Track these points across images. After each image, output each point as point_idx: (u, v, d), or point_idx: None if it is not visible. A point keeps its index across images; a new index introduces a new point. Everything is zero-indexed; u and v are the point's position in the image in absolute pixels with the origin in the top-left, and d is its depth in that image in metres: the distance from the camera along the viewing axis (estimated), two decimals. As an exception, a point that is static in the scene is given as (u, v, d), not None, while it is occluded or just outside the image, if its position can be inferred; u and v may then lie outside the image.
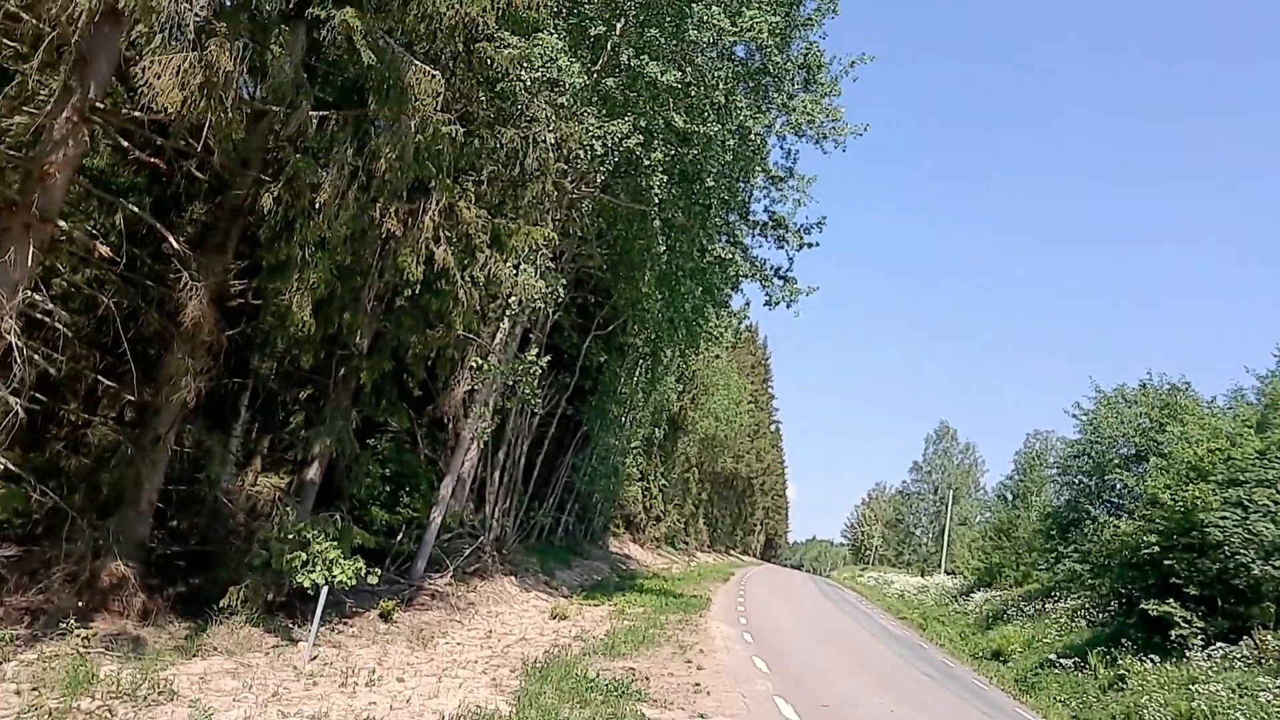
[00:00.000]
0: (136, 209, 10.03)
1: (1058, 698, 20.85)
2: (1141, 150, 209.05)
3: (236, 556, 11.67)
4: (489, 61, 11.78)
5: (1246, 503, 19.05)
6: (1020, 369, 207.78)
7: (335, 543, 11.38)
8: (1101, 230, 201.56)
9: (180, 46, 8.14)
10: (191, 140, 9.87)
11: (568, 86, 14.23)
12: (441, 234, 10.51)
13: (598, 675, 11.46)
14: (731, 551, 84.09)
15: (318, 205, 9.62)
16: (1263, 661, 17.28)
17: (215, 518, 12.12)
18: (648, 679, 12.04)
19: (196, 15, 8.23)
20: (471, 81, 12.10)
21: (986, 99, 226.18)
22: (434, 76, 9.66)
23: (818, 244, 20.29)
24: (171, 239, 10.19)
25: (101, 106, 8.95)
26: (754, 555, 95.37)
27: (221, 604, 10.78)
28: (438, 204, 10.45)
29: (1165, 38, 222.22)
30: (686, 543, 62.19)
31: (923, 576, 60.67)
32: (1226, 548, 18.82)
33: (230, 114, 8.70)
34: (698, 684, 12.20)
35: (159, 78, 8.06)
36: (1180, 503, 20.24)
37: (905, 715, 13.70)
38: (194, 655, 9.72)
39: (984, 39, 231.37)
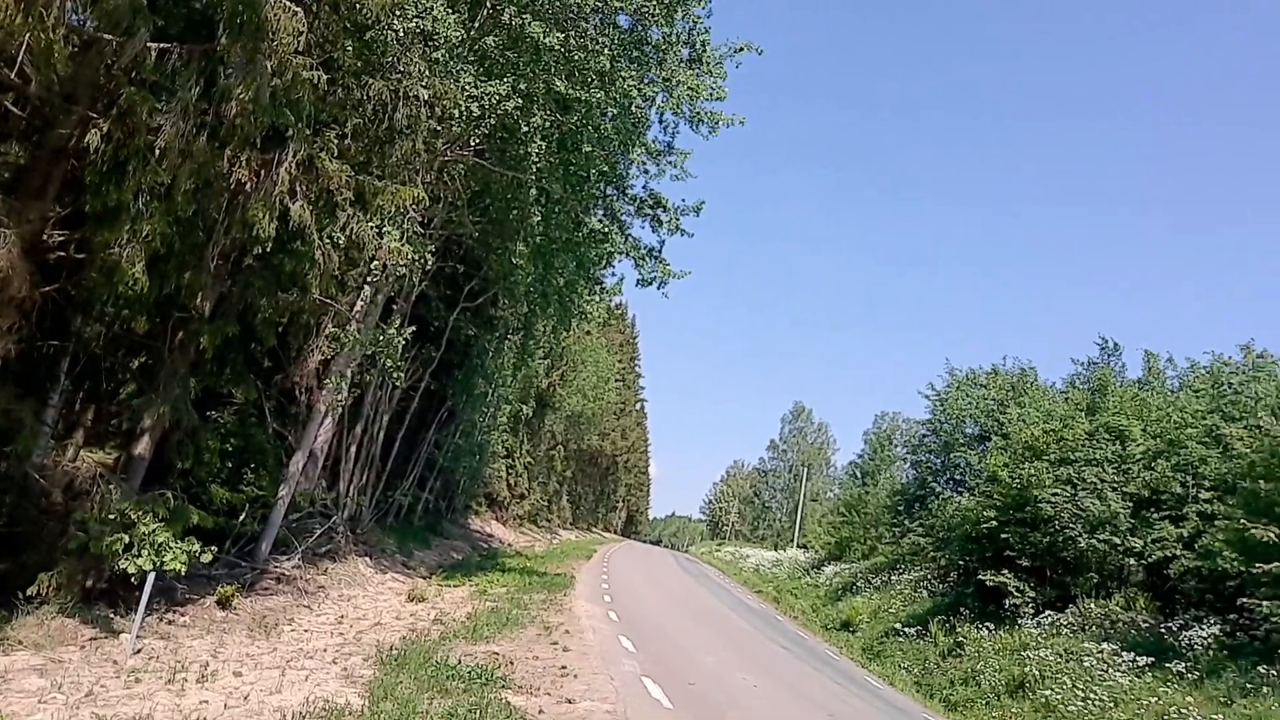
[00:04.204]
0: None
1: (902, 665, 22.04)
2: (1002, 125, 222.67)
3: (50, 539, 10.37)
4: (358, 6, 10.83)
5: (1075, 480, 20.67)
6: (870, 350, 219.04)
7: (166, 523, 10.30)
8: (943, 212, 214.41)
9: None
10: (6, 69, 8.57)
11: (443, 40, 13.37)
12: (299, 188, 9.60)
13: (459, 661, 10.98)
14: (594, 528, 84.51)
15: (156, 148, 8.55)
16: (1086, 628, 18.83)
17: (25, 496, 10.73)
18: (512, 663, 11.67)
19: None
20: (338, 26, 11.07)
21: (867, 74, 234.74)
22: (295, 14, 8.76)
23: (692, 234, 20.40)
24: (-25, 179, 8.84)
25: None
26: (615, 532, 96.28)
27: (29, 592, 9.56)
28: (295, 155, 9.52)
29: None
30: (549, 520, 61.91)
31: (777, 551, 63.12)
32: (1056, 522, 20.39)
33: (52, 36, 7.54)
34: (564, 666, 11.94)
35: (-39, -15, 6.87)
36: (1017, 480, 21.74)
37: (766, 689, 14.01)
38: (-6, 650, 8.57)
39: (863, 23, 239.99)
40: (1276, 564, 14.30)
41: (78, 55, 8.44)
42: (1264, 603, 14.60)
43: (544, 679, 11.05)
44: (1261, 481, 15.86)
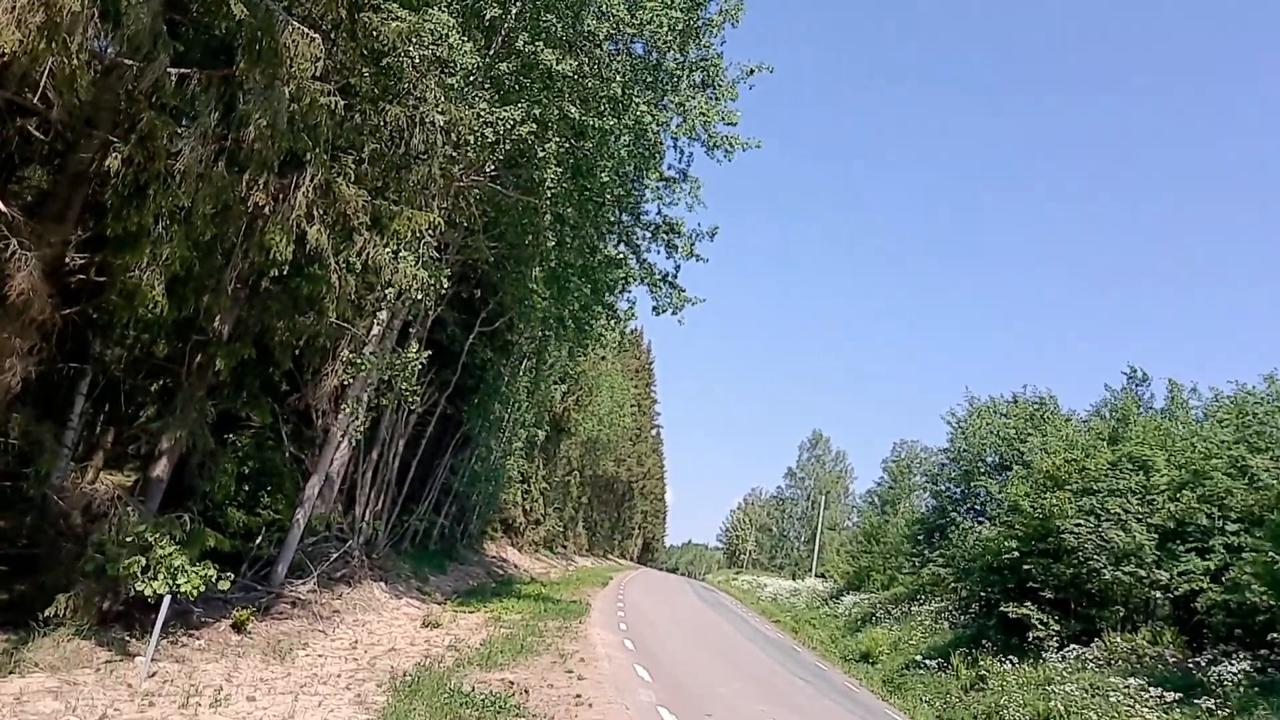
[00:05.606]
0: (-44, 167, 8.80)
1: (923, 698, 21.50)
2: (1029, 159, 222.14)
3: (68, 561, 10.41)
4: (374, 33, 10.99)
5: (1099, 511, 20.21)
6: (888, 378, 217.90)
7: (182, 546, 10.31)
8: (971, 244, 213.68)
9: (17, -20, 7.11)
10: (29, 94, 8.74)
11: (459, 67, 13.57)
12: (316, 212, 9.69)
13: (473, 689, 10.87)
14: (609, 555, 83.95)
15: (176, 172, 8.67)
16: (1112, 662, 18.32)
17: (44, 517, 10.80)
18: (527, 692, 11.54)
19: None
20: (354, 53, 11.25)
21: (877, 109, 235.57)
22: (313, 40, 8.89)
23: (706, 259, 20.36)
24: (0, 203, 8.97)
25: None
26: (631, 559, 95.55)
27: (47, 614, 9.56)
28: (312, 180, 9.62)
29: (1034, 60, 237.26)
30: (565, 547, 61.59)
31: (794, 580, 62.31)
32: (1080, 553, 19.89)
33: (76, 61, 7.70)
34: (579, 695, 11.78)
35: (-9, 13, 7.02)
36: (1039, 510, 21.30)
37: (784, 720, 13.75)
38: (10, 672, 8.57)
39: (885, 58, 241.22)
40: (1308, 597, 13.91)
41: (99, 80, 8.58)
42: (1295, 638, 14.17)
43: (558, 708, 10.91)
44: (1290, 513, 15.48)
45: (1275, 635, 14.99)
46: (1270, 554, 15.34)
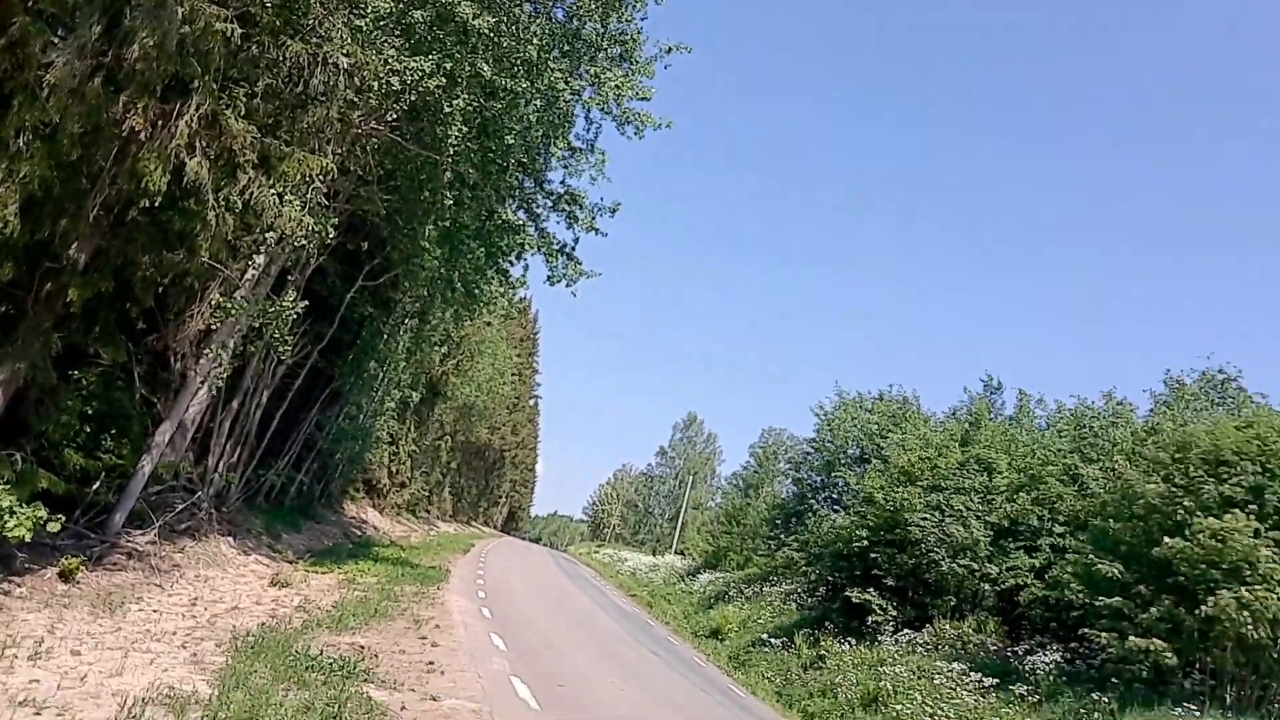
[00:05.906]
0: None
1: (765, 674, 22.59)
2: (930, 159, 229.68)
3: (-125, 496, 9.45)
4: (280, -39, 10.38)
5: (944, 507, 21.78)
6: (761, 366, 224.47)
7: (11, 487, 9.54)
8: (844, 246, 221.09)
9: None
10: None
11: (370, 10, 12.92)
12: (198, 144, 9.07)
13: (320, 652, 10.57)
14: (474, 522, 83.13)
15: (46, 84, 7.91)
16: (940, 647, 19.85)
17: None
18: (377, 656, 11.34)
19: None
20: (257, -20, 10.58)
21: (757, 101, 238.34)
22: (211, -40, 8.29)
23: (606, 234, 20.23)
24: None
25: None
26: (496, 527, 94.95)
27: None
28: (198, 109, 8.99)
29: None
30: (429, 511, 60.50)
31: (654, 556, 63.78)
32: (923, 545, 21.42)
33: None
34: (431, 662, 11.68)
35: None
36: (890, 502, 22.73)
37: (633, 693, 14.14)
38: None
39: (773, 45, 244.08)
40: (1117, 598, 15.35)
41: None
42: (1102, 634, 15.56)
43: (409, 674, 10.79)
44: (1111, 520, 16.99)
45: (1085, 630, 16.43)
46: (1090, 556, 16.86)
